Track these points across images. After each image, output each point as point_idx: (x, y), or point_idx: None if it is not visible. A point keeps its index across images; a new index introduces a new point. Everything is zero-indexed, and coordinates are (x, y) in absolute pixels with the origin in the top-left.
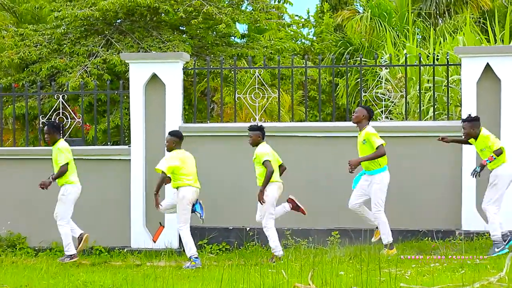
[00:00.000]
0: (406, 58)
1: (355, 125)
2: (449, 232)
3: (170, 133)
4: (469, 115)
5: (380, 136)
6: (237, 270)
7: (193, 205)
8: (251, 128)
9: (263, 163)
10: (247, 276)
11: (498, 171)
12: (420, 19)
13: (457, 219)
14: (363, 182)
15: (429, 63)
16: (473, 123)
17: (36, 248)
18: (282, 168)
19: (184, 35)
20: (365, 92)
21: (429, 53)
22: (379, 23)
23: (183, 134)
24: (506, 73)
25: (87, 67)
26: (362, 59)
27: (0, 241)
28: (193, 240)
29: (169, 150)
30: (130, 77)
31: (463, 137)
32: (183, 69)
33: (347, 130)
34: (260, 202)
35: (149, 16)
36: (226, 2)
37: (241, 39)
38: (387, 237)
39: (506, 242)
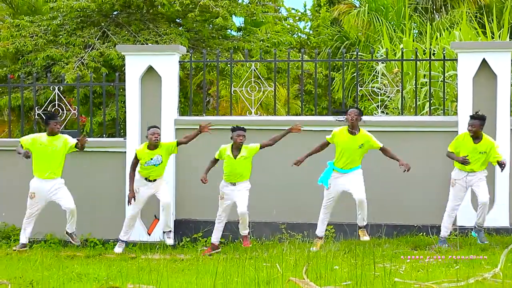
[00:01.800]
0: (402, 52)
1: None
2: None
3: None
4: (477, 112)
5: (376, 131)
6: (231, 264)
7: None
8: (245, 129)
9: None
10: (242, 270)
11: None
12: (416, 14)
13: None
14: (343, 182)
15: (426, 58)
16: (482, 121)
17: (31, 240)
18: None
19: (180, 28)
20: (361, 87)
21: (426, 48)
22: (375, 18)
23: (179, 127)
24: (502, 69)
25: (83, 59)
26: (359, 53)
27: None
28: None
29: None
30: (126, 69)
31: (471, 133)
32: (179, 61)
33: (343, 124)
34: None
35: (146, 9)
36: None
37: (237, 32)
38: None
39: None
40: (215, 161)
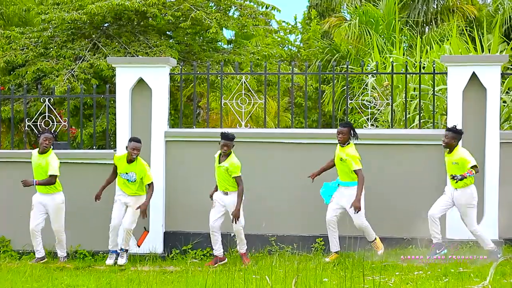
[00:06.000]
0: (392, 66)
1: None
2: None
3: (139, 140)
4: (455, 126)
5: (366, 144)
6: (221, 276)
7: None
8: (232, 138)
9: (236, 177)
10: (231, 282)
11: (472, 188)
12: (407, 27)
13: (442, 227)
14: (338, 195)
15: (416, 71)
16: (456, 135)
17: (20, 251)
18: None
19: (171, 40)
20: (351, 100)
21: (416, 61)
22: (366, 31)
23: (169, 139)
24: (492, 82)
25: (73, 71)
26: (349, 66)
27: None
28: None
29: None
30: (116, 81)
31: (443, 145)
32: (169, 74)
33: (333, 137)
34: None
35: (137, 21)
36: (214, 8)
37: (228, 45)
38: (373, 235)
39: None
40: None
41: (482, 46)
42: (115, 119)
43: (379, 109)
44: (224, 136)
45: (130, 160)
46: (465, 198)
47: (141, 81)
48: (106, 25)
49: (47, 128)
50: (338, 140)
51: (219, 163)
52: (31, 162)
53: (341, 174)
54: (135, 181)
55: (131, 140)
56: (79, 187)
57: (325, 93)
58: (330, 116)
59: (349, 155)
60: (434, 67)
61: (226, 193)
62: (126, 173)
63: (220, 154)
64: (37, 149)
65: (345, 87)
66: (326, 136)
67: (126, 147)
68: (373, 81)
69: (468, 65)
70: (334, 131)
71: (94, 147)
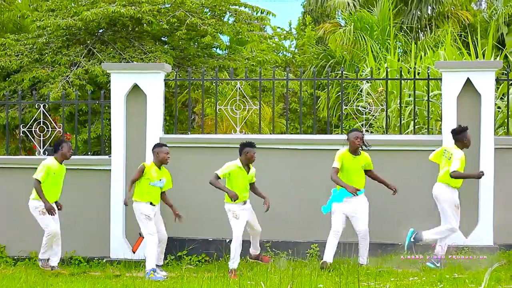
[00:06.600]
0: (387, 71)
1: (336, 138)
2: (428, 246)
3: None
4: (460, 125)
5: (360, 150)
6: (216, 282)
7: None
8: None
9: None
10: None
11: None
12: (401, 33)
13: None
14: (348, 205)
15: (410, 77)
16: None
17: (15, 258)
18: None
19: (166, 46)
20: (346, 105)
21: (410, 67)
22: (361, 37)
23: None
24: (486, 88)
25: (68, 78)
26: (344, 72)
27: None
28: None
29: None
30: (111, 87)
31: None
32: (164, 80)
33: (328, 142)
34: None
35: (131, 27)
36: (209, 14)
37: (223, 51)
38: None
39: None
40: (217, 178)
41: (476, 52)
42: (110, 125)
43: (373, 115)
44: (252, 144)
45: (160, 167)
46: None
47: (136, 87)
48: (101, 31)
49: (42, 134)
50: (359, 145)
51: (248, 173)
52: (26, 168)
53: (357, 183)
54: (162, 187)
55: (160, 145)
56: (74, 192)
57: (320, 99)
58: (325, 122)
59: (368, 158)
60: (428, 73)
61: (245, 202)
62: (160, 180)
63: (243, 164)
64: (51, 159)
65: (340, 93)
66: (321, 142)
67: (158, 154)
68: (368, 87)
69: (463, 71)
70: (329, 136)
71: (89, 153)
